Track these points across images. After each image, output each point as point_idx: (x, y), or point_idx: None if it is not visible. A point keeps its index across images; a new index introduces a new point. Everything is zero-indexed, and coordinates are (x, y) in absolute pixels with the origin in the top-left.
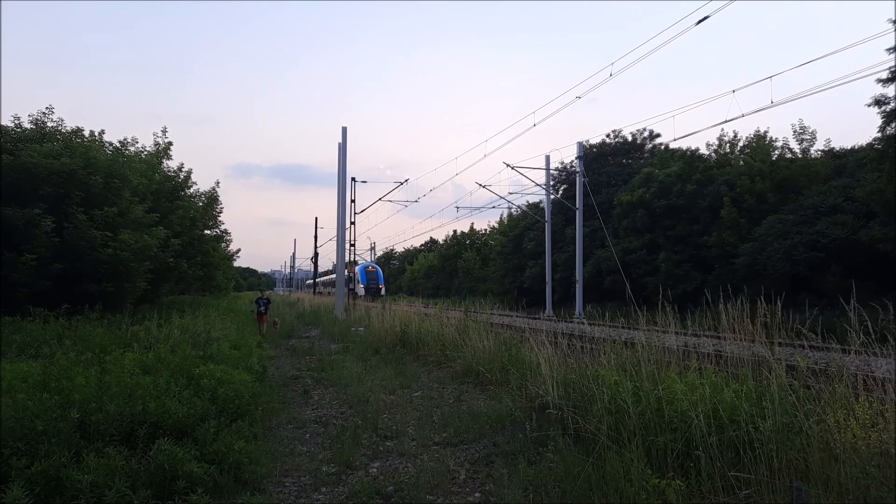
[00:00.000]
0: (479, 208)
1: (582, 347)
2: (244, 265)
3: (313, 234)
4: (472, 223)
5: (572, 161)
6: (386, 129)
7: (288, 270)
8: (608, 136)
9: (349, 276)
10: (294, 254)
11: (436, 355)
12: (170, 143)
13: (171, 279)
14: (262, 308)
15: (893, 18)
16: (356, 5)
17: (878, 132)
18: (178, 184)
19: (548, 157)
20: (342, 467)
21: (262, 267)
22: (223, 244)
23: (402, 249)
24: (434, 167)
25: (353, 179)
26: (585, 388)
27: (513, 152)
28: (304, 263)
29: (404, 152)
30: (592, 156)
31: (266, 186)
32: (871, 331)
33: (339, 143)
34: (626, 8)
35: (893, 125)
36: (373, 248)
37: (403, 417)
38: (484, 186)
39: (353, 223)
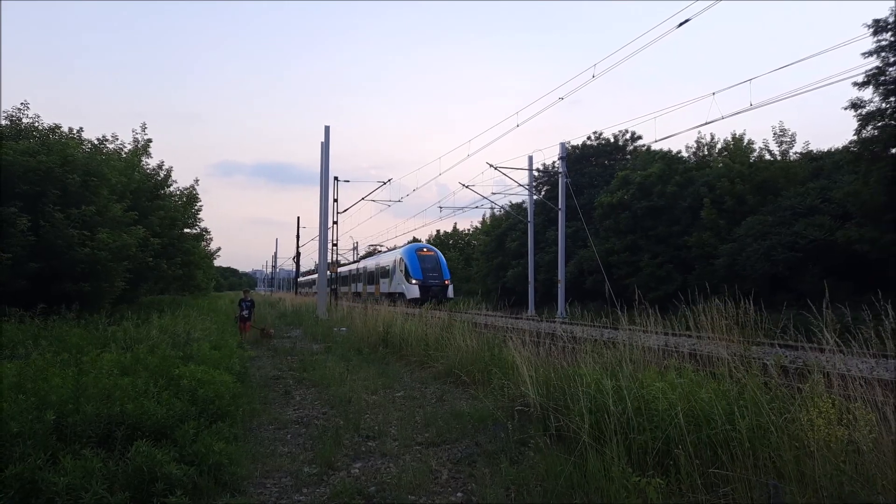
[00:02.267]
0: (462, 208)
1: (563, 347)
2: (225, 264)
3: (296, 234)
4: (456, 223)
5: (555, 162)
6: (370, 128)
7: (269, 270)
8: (589, 137)
9: (376, 270)
10: (276, 253)
11: (419, 355)
12: (149, 141)
13: (150, 279)
14: (246, 312)
15: (869, 24)
16: (343, 6)
17: (855, 135)
18: (157, 182)
19: (531, 158)
20: (324, 468)
21: (244, 266)
22: (203, 243)
23: (385, 249)
24: (418, 167)
25: (335, 178)
26: (567, 388)
27: (496, 153)
28: (287, 263)
29: (388, 152)
30: (575, 157)
31: (249, 185)
32: (854, 331)
33: (322, 143)
34: (609, 9)
35: (869, 128)
36: (355, 248)
37: (386, 417)
38: (467, 187)
39: (335, 222)
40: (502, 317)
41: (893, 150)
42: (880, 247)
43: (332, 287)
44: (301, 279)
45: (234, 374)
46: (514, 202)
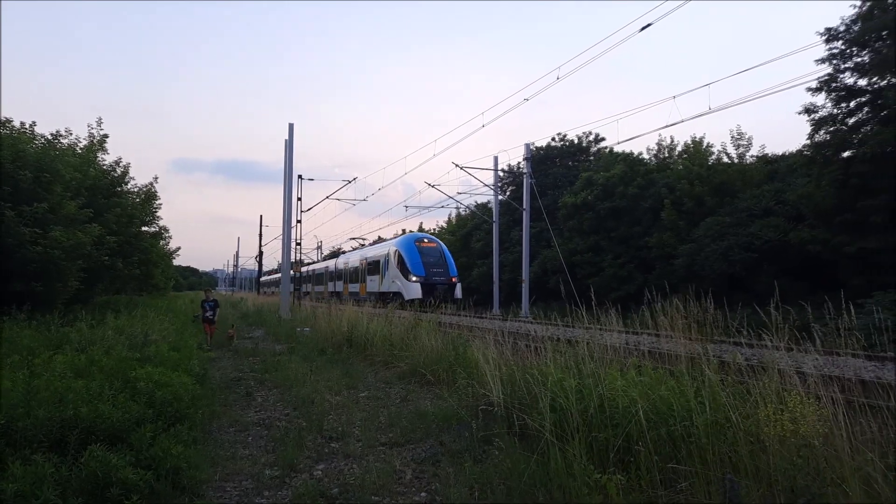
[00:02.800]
0: (427, 208)
1: (527, 346)
2: (184, 264)
3: (258, 233)
4: (421, 222)
5: (520, 163)
6: (334, 127)
7: (231, 269)
8: (554, 139)
9: (360, 266)
10: (237, 252)
11: (383, 355)
12: (105, 136)
13: (105, 278)
14: (210, 313)
15: (822, 32)
16: (307, 5)
17: (808, 139)
18: (114, 179)
19: (496, 159)
20: (286, 470)
21: (204, 266)
22: (162, 242)
23: (350, 249)
24: (383, 166)
25: (299, 177)
26: (530, 387)
27: (462, 153)
28: (249, 262)
29: (353, 151)
30: (539, 158)
31: (210, 183)
32: (807, 329)
33: (286, 140)
34: (574, 13)
35: (822, 132)
36: (319, 247)
37: (349, 418)
38: (433, 186)
39: (299, 221)
40: (467, 316)
41: (844, 155)
42: (831, 248)
43: (297, 287)
44: (264, 278)
45: (193, 376)
46: (479, 202)
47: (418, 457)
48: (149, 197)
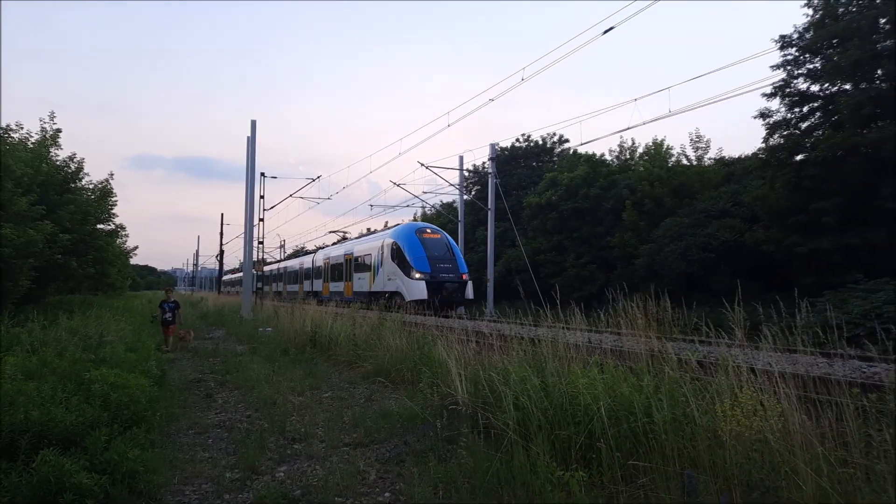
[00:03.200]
0: (393, 207)
1: (491, 345)
2: (142, 263)
3: (219, 231)
4: (387, 221)
5: (485, 162)
6: (299, 125)
7: (191, 269)
8: (518, 139)
9: (345, 262)
10: (197, 251)
11: (347, 355)
12: (58, 131)
13: (58, 277)
14: (170, 315)
15: (777, 39)
16: (270, 4)
17: (763, 143)
18: (68, 175)
19: (461, 158)
20: (247, 472)
21: (163, 265)
22: (119, 240)
23: (314, 247)
24: (348, 164)
25: (262, 174)
26: (495, 386)
27: (428, 152)
28: (209, 261)
29: (317, 149)
30: (504, 158)
31: (169, 180)
32: (761, 327)
33: (248, 137)
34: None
35: (776, 136)
36: (282, 246)
37: (313, 419)
38: (398, 185)
39: (261, 220)
40: (432, 315)
41: (797, 158)
42: (784, 248)
43: (259, 287)
44: (226, 278)
45: (150, 378)
46: (444, 201)
47: (382, 457)
48: (104, 194)
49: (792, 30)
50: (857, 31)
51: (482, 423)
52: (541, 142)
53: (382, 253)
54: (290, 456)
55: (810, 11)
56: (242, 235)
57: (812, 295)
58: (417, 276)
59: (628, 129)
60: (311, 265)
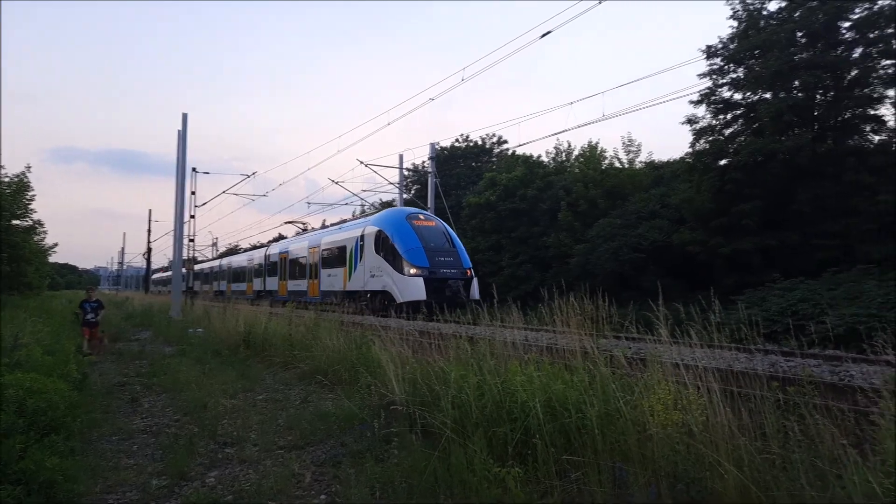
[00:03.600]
0: (331, 204)
1: (430, 344)
2: (62, 261)
3: (147, 228)
4: (325, 220)
5: (424, 161)
6: (233, 119)
7: (116, 267)
8: (458, 139)
9: (308, 257)
10: (123, 249)
11: (283, 356)
12: None
13: None
14: (91, 315)
15: (703, 49)
16: None
17: (690, 147)
18: None
19: (401, 157)
20: (175, 479)
21: (85, 263)
22: (36, 237)
23: (249, 245)
24: (285, 161)
25: (194, 170)
26: (433, 384)
27: (367, 150)
28: (136, 259)
29: (252, 144)
30: (444, 157)
31: (92, 174)
32: (690, 325)
33: (179, 131)
34: (478, 16)
35: (702, 142)
36: (215, 244)
37: (245, 422)
38: (337, 183)
39: (192, 216)
40: (371, 315)
41: (721, 163)
42: (708, 249)
43: (189, 286)
44: (155, 276)
45: (70, 382)
46: (384, 200)
47: (318, 459)
48: (20, 188)
49: (717, 40)
50: (777, 42)
51: (420, 422)
52: (480, 142)
53: (362, 244)
54: (221, 461)
55: (735, 23)
56: (172, 233)
57: (734, 293)
58: (412, 271)
59: (564, 131)
60: (263, 261)
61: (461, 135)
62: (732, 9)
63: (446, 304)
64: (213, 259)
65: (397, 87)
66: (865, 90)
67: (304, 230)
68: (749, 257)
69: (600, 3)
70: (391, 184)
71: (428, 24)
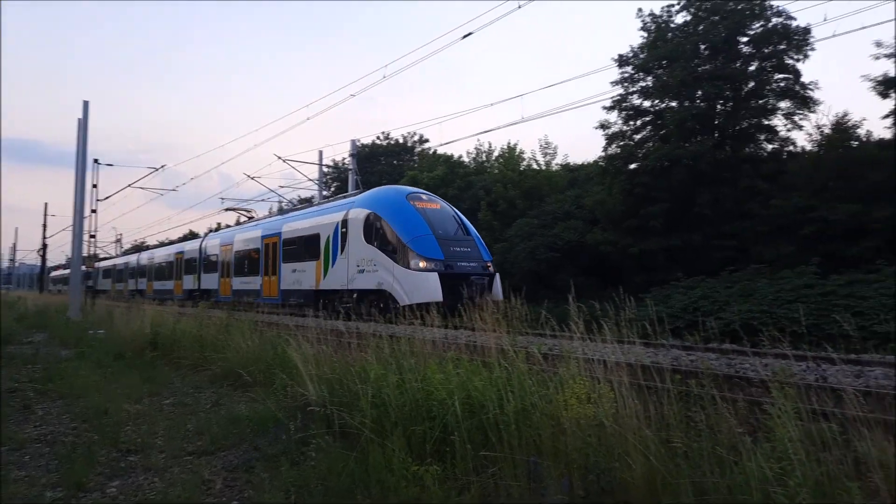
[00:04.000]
0: (246, 201)
1: (349, 343)
2: None
3: (42, 223)
4: (239, 216)
5: (345, 158)
6: (140, 109)
7: (6, 264)
8: (379, 137)
9: (265, 249)
10: (15, 245)
11: (193, 358)
12: None
13: None
14: None
15: (616, 57)
16: None
17: (603, 151)
18: None
19: (321, 153)
20: (72, 490)
21: None
22: None
23: (156, 242)
24: (197, 154)
25: (95, 161)
26: (352, 384)
27: (285, 145)
28: (30, 256)
29: (162, 136)
30: (365, 155)
31: None
32: (603, 322)
33: (80, 119)
34: (402, 14)
35: (614, 146)
36: (119, 240)
37: (151, 428)
38: (252, 178)
39: (94, 211)
40: (287, 314)
41: (631, 167)
42: (619, 249)
43: (90, 285)
44: (55, 274)
45: None
46: (303, 196)
47: (230, 464)
48: None
49: (628, 50)
50: (682, 54)
51: (338, 423)
52: (402, 140)
53: (344, 231)
54: (123, 469)
55: (645, 34)
56: (71, 228)
57: (642, 291)
58: (422, 265)
59: (485, 132)
60: (198, 254)
61: (382, 132)
62: (642, 20)
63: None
64: (128, 254)
65: (318, 82)
66: (760, 101)
67: (251, 218)
68: (655, 257)
69: (520, 7)
70: (310, 180)
71: (349, 19)
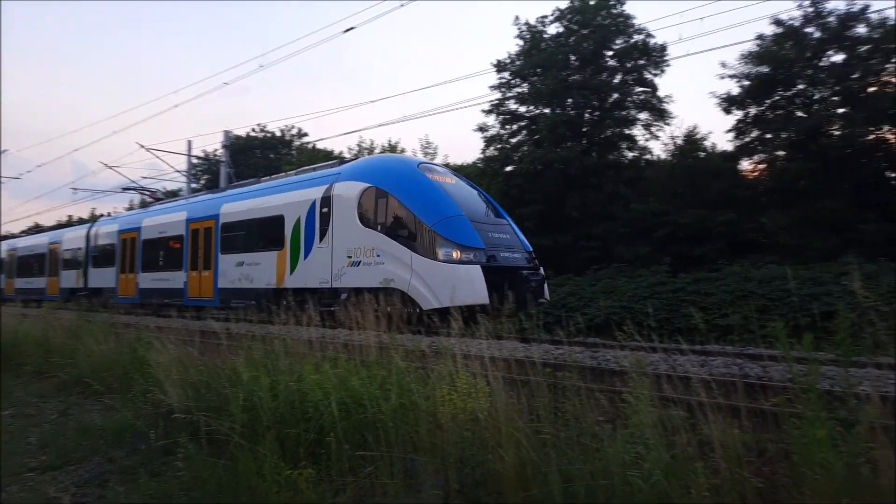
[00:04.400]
0: (103, 191)
1: (219, 344)
2: None
3: None
4: (94, 208)
5: (217, 149)
6: None
7: None
8: (254, 129)
9: (210, 232)
10: None
11: (37, 364)
12: None
13: None
14: None
15: (494, 62)
16: None
17: (481, 153)
18: None
19: (189, 143)
20: None
21: None
22: None
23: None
24: (45, 139)
25: None
26: (221, 388)
27: (150, 133)
28: None
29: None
30: (239, 146)
31: None
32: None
33: None
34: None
35: (491, 148)
36: None
37: None
38: (110, 167)
39: None
40: (150, 315)
41: (508, 169)
42: None
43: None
44: None
45: None
46: (169, 188)
47: (80, 479)
48: None
49: (506, 56)
50: (555, 63)
51: (206, 429)
52: (279, 133)
53: (326, 211)
54: None
55: (521, 42)
56: None
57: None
58: (456, 254)
59: (366, 129)
60: (85, 243)
61: (258, 124)
62: (519, 28)
63: (518, 305)
64: None
65: (188, 67)
66: (623, 112)
67: (157, 199)
68: None
69: (402, 6)
70: (178, 171)
71: (224, 3)
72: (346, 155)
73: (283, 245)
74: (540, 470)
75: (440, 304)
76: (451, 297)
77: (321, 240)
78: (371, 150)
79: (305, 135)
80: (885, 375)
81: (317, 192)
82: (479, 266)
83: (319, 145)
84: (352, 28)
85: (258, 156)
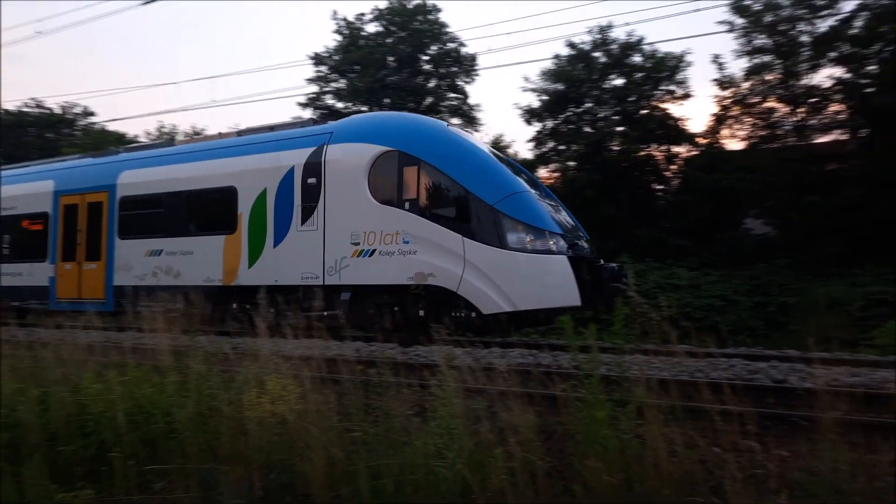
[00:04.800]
0: None
1: None
2: None
3: None
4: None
5: None
6: None
7: None
8: (28, 104)
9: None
10: None
11: None
12: None
13: None
14: None
15: (312, 55)
16: None
17: None
18: None
19: None
20: None
21: None
22: None
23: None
24: None
25: None
26: None
27: None
28: None
29: None
30: (9, 123)
31: None
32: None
33: None
34: None
35: None
36: None
37: None
38: None
39: None
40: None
41: None
42: None
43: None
44: None
45: None
46: None
47: None
48: None
49: (324, 50)
50: (373, 62)
51: None
52: (60, 111)
53: (314, 182)
54: None
55: (339, 37)
56: None
57: None
58: (530, 241)
59: (170, 112)
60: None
61: (32, 98)
62: (337, 23)
63: (607, 307)
64: None
65: None
66: (437, 116)
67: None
68: None
69: None
70: None
71: None
72: (143, 140)
73: (236, 227)
74: (350, 468)
75: (513, 306)
76: (533, 296)
77: (304, 221)
78: (173, 136)
79: (93, 114)
80: (650, 360)
81: (295, 157)
82: (565, 257)
83: (110, 127)
84: (152, 0)
85: (32, 134)
